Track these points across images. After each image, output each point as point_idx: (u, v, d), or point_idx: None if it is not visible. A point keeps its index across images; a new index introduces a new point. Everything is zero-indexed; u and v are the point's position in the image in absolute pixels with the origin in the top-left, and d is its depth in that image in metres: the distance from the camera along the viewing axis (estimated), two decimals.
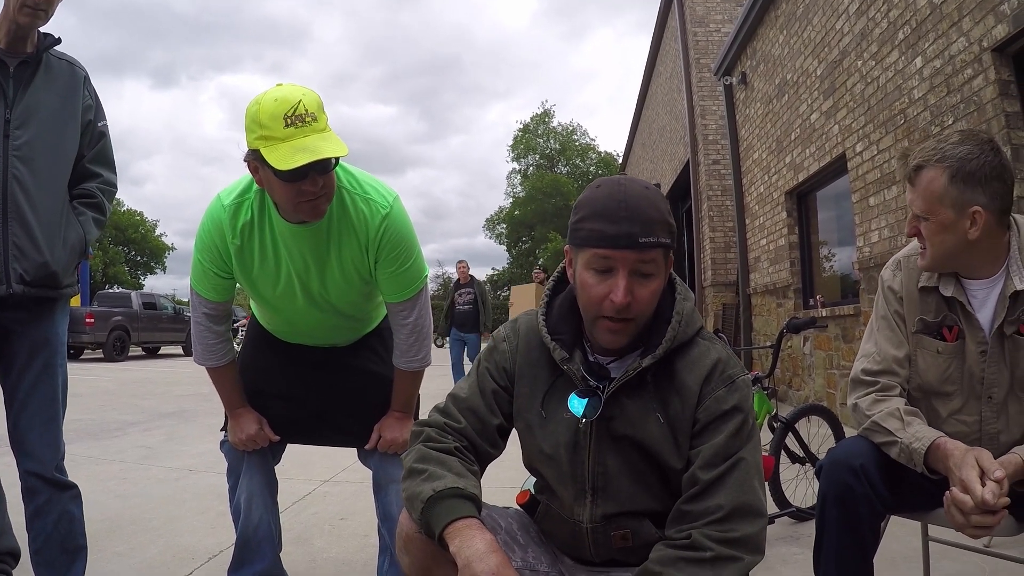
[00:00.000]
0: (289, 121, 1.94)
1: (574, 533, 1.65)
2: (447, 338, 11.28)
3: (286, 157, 1.92)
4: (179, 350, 24.70)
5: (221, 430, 2.62)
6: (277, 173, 1.97)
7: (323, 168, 2.02)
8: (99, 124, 2.60)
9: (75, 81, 2.52)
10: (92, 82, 2.60)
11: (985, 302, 2.04)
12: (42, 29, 2.42)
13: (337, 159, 2.08)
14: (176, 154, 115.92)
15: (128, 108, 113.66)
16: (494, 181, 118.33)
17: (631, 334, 1.54)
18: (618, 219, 1.45)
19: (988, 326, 2.03)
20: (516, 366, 1.71)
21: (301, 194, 2.03)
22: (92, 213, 2.58)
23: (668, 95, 16.96)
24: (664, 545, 1.47)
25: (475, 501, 1.50)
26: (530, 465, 1.74)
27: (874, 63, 6.62)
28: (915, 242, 2.24)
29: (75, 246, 2.50)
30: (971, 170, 1.93)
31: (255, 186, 2.22)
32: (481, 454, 1.69)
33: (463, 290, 11.21)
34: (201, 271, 2.34)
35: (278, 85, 2.05)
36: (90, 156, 2.58)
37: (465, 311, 11.07)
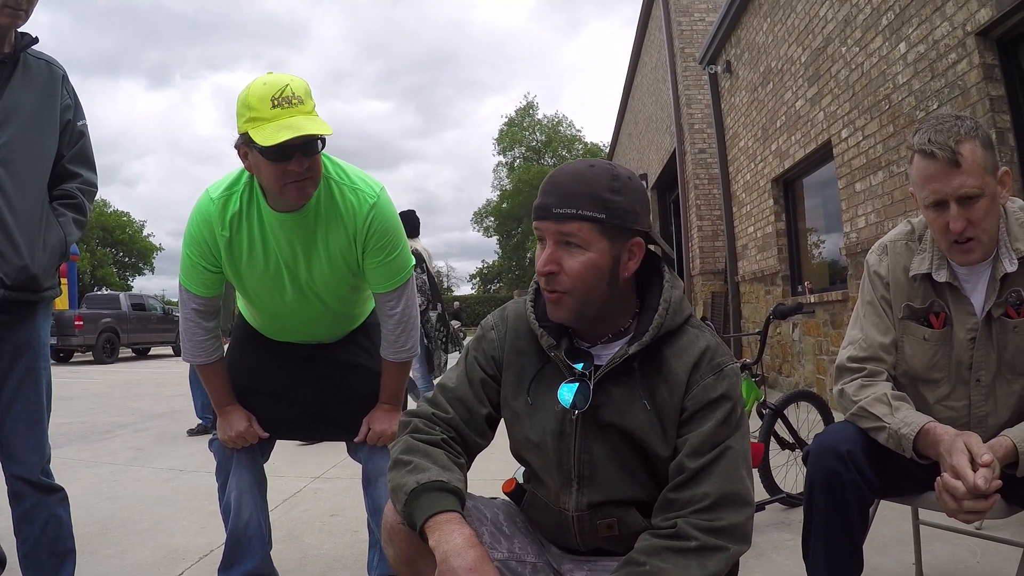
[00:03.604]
0: (276, 102, 2.02)
1: (560, 522, 1.65)
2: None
3: (271, 134, 1.99)
4: (169, 351, 24.61)
5: (211, 427, 2.61)
6: (263, 153, 2.04)
7: (309, 150, 2.08)
8: (78, 123, 2.57)
9: (53, 80, 2.48)
10: (71, 81, 2.56)
11: (976, 287, 2.04)
12: (20, 28, 2.39)
13: (323, 142, 2.13)
14: (169, 154, 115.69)
15: (122, 109, 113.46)
16: (486, 175, 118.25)
17: (571, 308, 1.55)
18: (544, 193, 1.54)
19: (979, 310, 2.02)
20: (504, 354, 1.71)
21: (287, 175, 2.08)
22: (72, 214, 2.55)
23: (653, 85, 16.96)
24: (649, 534, 1.46)
25: (458, 495, 1.49)
26: (517, 453, 1.74)
27: (858, 49, 6.63)
28: (901, 226, 2.23)
29: (56, 248, 2.47)
30: (986, 135, 1.92)
31: (243, 179, 2.27)
32: (469, 444, 1.69)
33: None
34: (190, 265, 2.35)
35: (268, 73, 2.12)
36: (70, 156, 2.54)
37: None
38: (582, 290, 1.53)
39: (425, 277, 6.50)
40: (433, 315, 6.72)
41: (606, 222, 1.50)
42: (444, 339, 6.86)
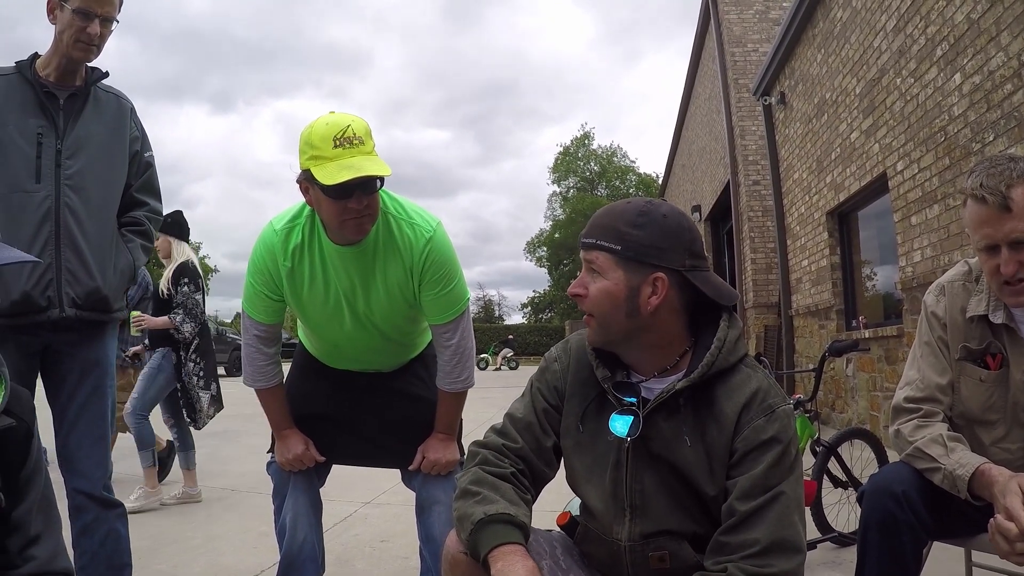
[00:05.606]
0: (338, 142, 2.09)
1: (612, 554, 1.65)
2: None
3: (333, 174, 2.06)
4: (222, 371, 24.92)
5: (268, 451, 2.67)
6: (325, 190, 2.11)
7: (368, 188, 2.15)
8: (146, 154, 2.70)
9: (122, 113, 2.61)
10: (138, 106, 2.69)
11: None
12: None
13: (381, 180, 2.19)
14: (228, 178, 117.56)
15: (184, 133, 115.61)
16: (542, 204, 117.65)
17: (596, 330, 1.63)
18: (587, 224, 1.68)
19: None
20: (567, 385, 1.74)
21: (346, 211, 2.15)
22: (140, 240, 2.68)
23: (707, 116, 16.91)
24: None
25: (523, 530, 1.53)
26: (572, 482, 1.76)
27: (913, 80, 6.55)
28: (958, 266, 2.20)
29: (125, 271, 2.59)
30: None
31: (305, 212, 2.34)
32: (537, 474, 1.73)
33: None
34: (253, 293, 2.42)
35: (330, 112, 2.20)
36: (137, 185, 2.67)
37: None
38: (600, 314, 1.60)
39: (199, 297, 5.18)
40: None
41: (621, 253, 1.56)
42: (201, 374, 5.46)
